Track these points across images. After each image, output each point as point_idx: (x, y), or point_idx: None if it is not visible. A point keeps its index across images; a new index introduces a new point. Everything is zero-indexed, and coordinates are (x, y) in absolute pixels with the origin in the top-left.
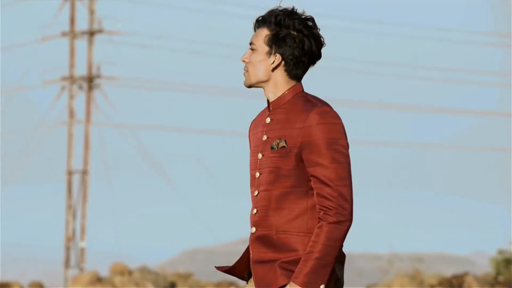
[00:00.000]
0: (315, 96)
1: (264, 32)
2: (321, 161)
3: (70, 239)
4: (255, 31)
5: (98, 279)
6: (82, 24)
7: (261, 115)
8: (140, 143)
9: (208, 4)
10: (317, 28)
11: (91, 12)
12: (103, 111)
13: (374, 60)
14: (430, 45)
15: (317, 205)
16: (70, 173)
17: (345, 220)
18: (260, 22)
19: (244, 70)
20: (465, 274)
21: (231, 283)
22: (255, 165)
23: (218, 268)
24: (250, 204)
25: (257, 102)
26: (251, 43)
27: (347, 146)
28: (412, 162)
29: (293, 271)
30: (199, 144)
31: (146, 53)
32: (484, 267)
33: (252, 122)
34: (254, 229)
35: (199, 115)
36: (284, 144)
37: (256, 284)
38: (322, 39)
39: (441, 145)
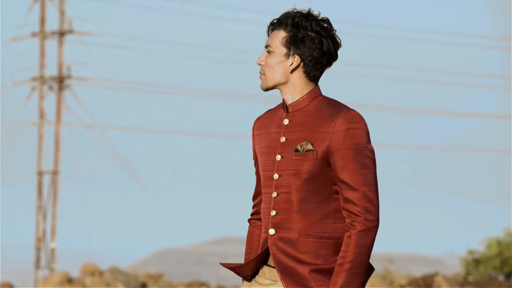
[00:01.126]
0: (336, 100)
1: (281, 34)
2: (349, 166)
3: (40, 240)
4: (268, 34)
5: (69, 280)
6: (52, 25)
7: (271, 115)
8: (111, 143)
9: (180, 5)
10: (333, 29)
11: (61, 13)
12: (73, 111)
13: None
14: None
15: (343, 210)
16: (40, 173)
17: (372, 226)
18: (276, 25)
19: (260, 73)
20: (435, 274)
21: (202, 284)
22: (272, 166)
23: (223, 264)
24: (220, 205)
25: (231, 103)
26: (267, 46)
27: (373, 151)
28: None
29: (327, 282)
30: (170, 145)
31: (116, 54)
32: (455, 267)
33: (257, 121)
34: (273, 231)
35: (170, 116)
36: (311, 147)
37: (286, 285)
38: (338, 40)
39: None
